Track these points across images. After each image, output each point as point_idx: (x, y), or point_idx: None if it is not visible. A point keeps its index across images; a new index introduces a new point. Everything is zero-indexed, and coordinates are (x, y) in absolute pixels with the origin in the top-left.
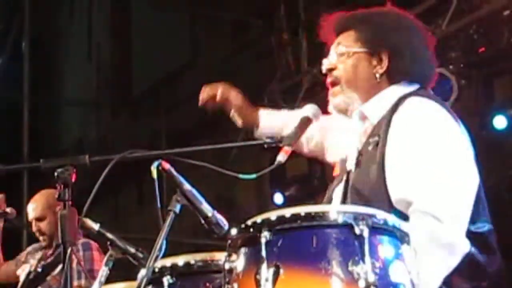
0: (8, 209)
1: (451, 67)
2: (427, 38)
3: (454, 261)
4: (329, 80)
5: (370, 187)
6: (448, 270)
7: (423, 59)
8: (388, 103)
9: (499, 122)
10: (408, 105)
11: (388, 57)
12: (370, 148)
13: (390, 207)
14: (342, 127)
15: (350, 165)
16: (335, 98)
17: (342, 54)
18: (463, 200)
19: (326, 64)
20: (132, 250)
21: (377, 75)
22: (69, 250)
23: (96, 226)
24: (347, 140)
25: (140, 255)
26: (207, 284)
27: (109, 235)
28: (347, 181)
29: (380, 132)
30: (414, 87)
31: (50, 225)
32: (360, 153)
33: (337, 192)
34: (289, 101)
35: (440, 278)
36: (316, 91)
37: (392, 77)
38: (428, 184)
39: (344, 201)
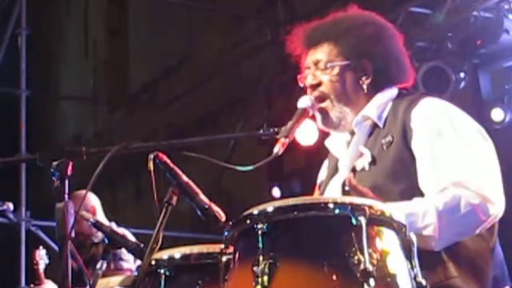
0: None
1: (448, 59)
2: (401, 41)
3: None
4: (315, 95)
5: (391, 179)
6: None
7: (404, 63)
8: (385, 108)
9: (497, 114)
10: (425, 103)
11: (372, 67)
12: (385, 147)
13: (411, 196)
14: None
15: (359, 164)
16: (328, 113)
17: (325, 69)
18: (498, 179)
19: (309, 79)
20: (129, 242)
21: (364, 86)
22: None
23: (92, 218)
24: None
25: (137, 247)
26: (204, 277)
27: (105, 228)
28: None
29: (393, 133)
30: (399, 89)
31: (83, 226)
32: (372, 154)
33: (334, 187)
34: (285, 94)
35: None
36: None
37: (376, 85)
38: (468, 166)
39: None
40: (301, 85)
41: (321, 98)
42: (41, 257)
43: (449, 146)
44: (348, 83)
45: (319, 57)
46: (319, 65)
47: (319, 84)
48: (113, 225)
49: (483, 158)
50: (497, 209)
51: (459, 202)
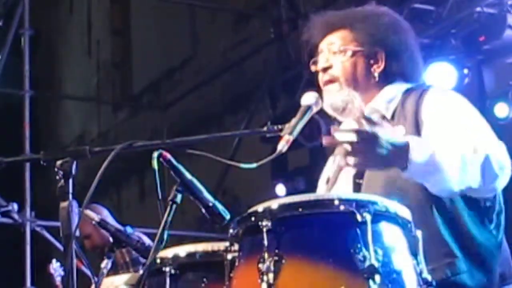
0: None
1: (452, 55)
2: (414, 38)
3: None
4: (325, 78)
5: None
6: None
7: (418, 59)
8: (394, 100)
9: (501, 110)
10: (434, 92)
11: (385, 57)
12: None
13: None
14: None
15: None
16: (333, 96)
17: (337, 53)
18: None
19: (322, 62)
20: (134, 241)
21: (376, 75)
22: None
23: (97, 217)
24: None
25: (142, 246)
26: (209, 275)
27: (110, 227)
28: (361, 172)
29: (405, 123)
30: (410, 84)
31: (98, 237)
32: None
33: (344, 182)
34: (289, 92)
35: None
36: (316, 82)
37: (388, 76)
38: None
39: (358, 190)
40: (313, 70)
41: (330, 81)
42: (56, 270)
43: (460, 125)
44: (359, 68)
45: (333, 40)
46: (332, 48)
47: (330, 67)
48: (129, 230)
49: (494, 137)
50: (508, 174)
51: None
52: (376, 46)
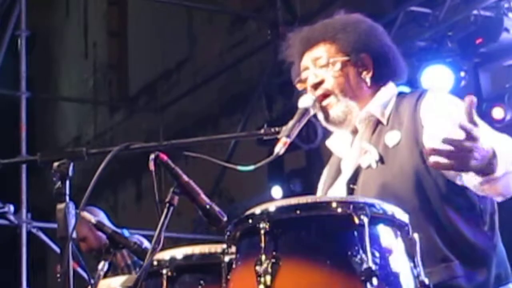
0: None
1: (448, 58)
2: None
3: None
4: (319, 93)
5: (400, 178)
6: None
7: (400, 58)
8: (389, 103)
9: (497, 113)
10: (431, 96)
11: (372, 61)
12: (391, 145)
13: (422, 195)
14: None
15: (365, 162)
16: (332, 110)
17: (325, 66)
18: None
19: (311, 78)
20: (131, 243)
21: (367, 80)
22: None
23: (93, 219)
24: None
25: (139, 248)
26: (206, 277)
27: (107, 228)
28: (355, 177)
29: (400, 130)
30: (402, 85)
31: (94, 240)
32: (378, 152)
33: (338, 187)
34: (286, 95)
35: None
36: None
37: (378, 79)
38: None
39: (351, 194)
40: (300, 88)
41: (325, 95)
42: None
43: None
44: (351, 77)
45: (318, 54)
46: (319, 62)
47: (321, 82)
48: (126, 233)
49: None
50: None
51: None
52: (362, 52)
